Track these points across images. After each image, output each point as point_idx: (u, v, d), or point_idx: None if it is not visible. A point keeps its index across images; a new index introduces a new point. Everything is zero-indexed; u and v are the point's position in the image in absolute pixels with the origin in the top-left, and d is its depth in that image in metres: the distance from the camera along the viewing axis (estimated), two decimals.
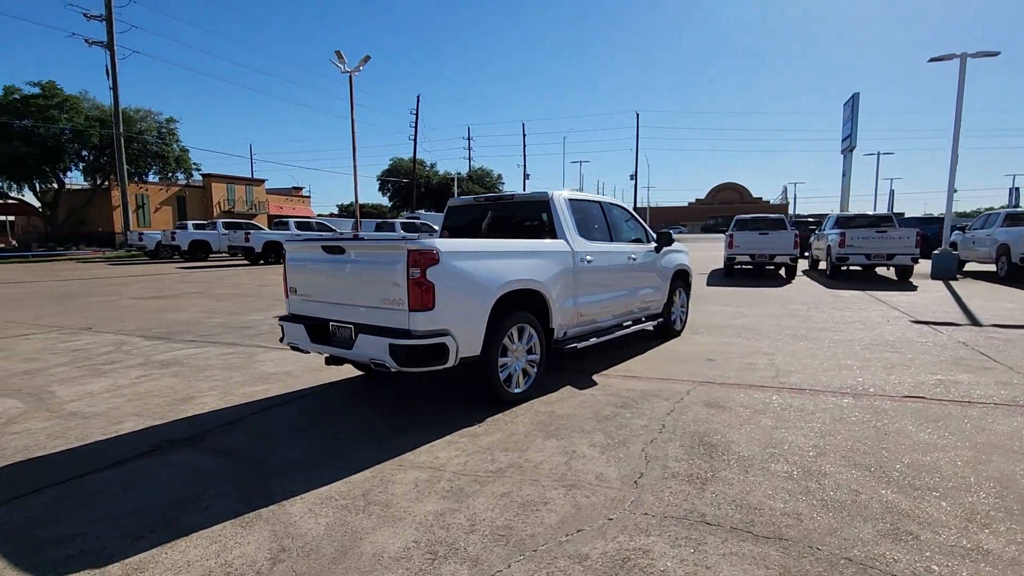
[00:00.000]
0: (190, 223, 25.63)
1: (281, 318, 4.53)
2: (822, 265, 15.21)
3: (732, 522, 2.54)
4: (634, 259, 5.93)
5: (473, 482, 3.00)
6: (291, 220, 23.12)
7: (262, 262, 22.01)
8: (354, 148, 22.80)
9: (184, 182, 40.20)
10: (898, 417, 3.94)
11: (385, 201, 54.37)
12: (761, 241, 13.59)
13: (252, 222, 28.55)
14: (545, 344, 4.68)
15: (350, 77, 22.26)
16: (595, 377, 5.14)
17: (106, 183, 35.41)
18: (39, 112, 31.04)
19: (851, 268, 13.99)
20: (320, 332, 4.20)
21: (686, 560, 2.25)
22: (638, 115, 50.54)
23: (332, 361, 4.49)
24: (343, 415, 4.17)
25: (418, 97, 44.28)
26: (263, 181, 45.44)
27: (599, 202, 5.87)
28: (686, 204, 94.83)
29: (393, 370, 3.71)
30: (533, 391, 4.56)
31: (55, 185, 34.48)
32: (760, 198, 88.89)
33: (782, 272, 14.81)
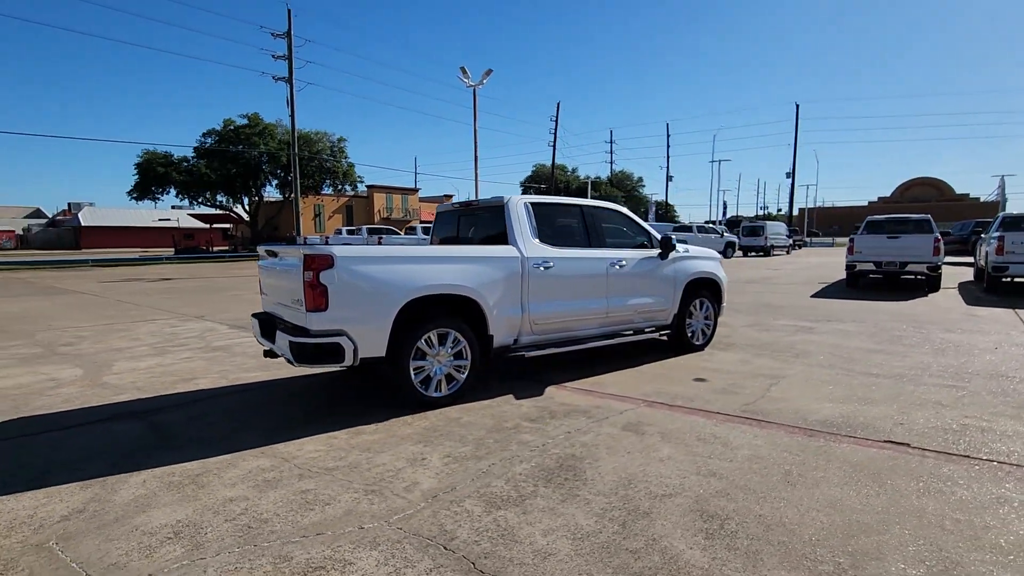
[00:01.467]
0: (344, 229, 29.19)
1: (253, 314, 5.14)
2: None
3: (474, 552, 2.37)
4: (621, 266, 5.53)
5: (299, 476, 3.16)
6: (419, 225, 25.15)
7: None
8: (476, 158, 24.09)
9: (352, 193, 45.80)
10: (832, 467, 3.20)
11: None
12: (890, 246, 11.43)
13: (390, 227, 31.48)
14: (481, 351, 4.65)
15: (474, 91, 23.53)
16: (552, 388, 4.93)
17: (292, 195, 41.82)
18: (246, 139, 37.82)
19: (1016, 280, 11.07)
20: (267, 328, 4.69)
21: None
22: (798, 106, 44.58)
23: (268, 354, 4.94)
24: (277, 405, 4.60)
25: (558, 104, 44.89)
26: (417, 190, 49.93)
27: (579, 206, 5.59)
28: (865, 203, 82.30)
29: (295, 365, 4.03)
30: (473, 395, 4.58)
31: (256, 198, 41.64)
32: (967, 195, 73.73)
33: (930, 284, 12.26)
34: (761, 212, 77.73)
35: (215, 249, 39.26)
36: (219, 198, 40.84)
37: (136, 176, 38.23)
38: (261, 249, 5.06)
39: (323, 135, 40.21)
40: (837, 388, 4.79)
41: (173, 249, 38.37)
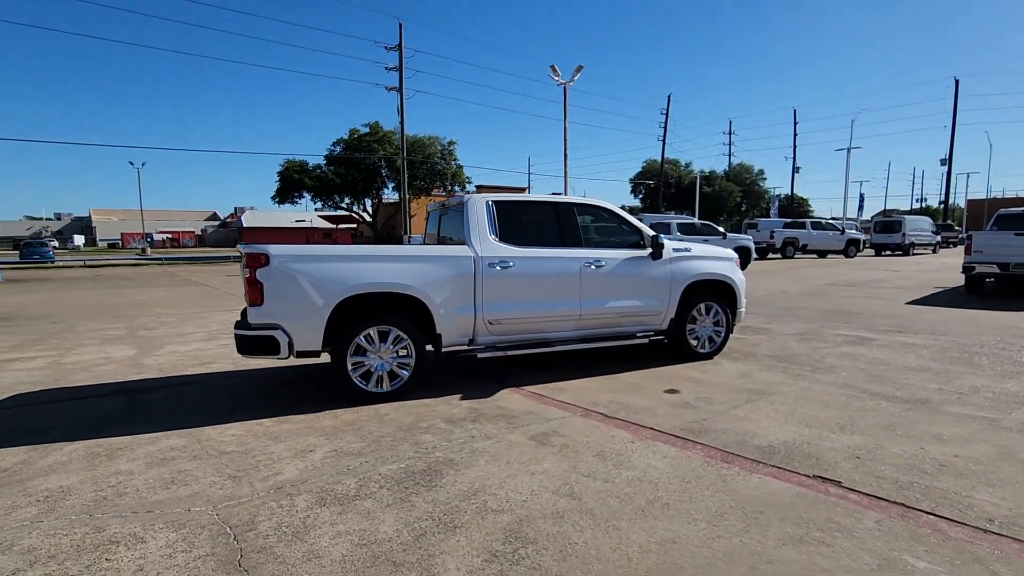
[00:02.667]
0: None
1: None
2: None
3: (253, 546, 2.42)
4: (598, 266, 5.20)
5: (193, 456, 3.42)
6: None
7: None
8: (565, 156, 23.81)
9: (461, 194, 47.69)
10: (716, 499, 2.76)
11: (637, 203, 54.24)
12: (1018, 245, 9.37)
13: None
14: (423, 350, 4.66)
15: (564, 89, 23.29)
16: (507, 391, 4.81)
17: (408, 197, 44.61)
18: (367, 146, 41.03)
19: None
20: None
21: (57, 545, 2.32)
22: (957, 82, 37.69)
23: None
24: (249, 390, 4.98)
25: (668, 97, 42.60)
26: (524, 189, 50.56)
27: (553, 204, 5.34)
28: None
29: (240, 354, 4.35)
30: (422, 392, 4.64)
31: (376, 200, 44.99)
32: None
33: None
34: (918, 205, 67.76)
35: None
36: (345, 200, 44.72)
37: (278, 182, 43.09)
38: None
39: (435, 139, 42.30)
40: (823, 411, 4.10)
41: None
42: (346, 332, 4.38)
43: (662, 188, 44.78)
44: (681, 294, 5.62)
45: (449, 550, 2.34)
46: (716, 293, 5.90)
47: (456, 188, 44.58)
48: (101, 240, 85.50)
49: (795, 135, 46.62)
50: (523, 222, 5.19)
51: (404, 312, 4.59)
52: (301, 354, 4.34)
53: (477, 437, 3.69)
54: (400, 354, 4.57)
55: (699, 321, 5.82)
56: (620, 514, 2.63)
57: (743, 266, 18.16)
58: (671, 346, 5.84)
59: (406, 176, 33.52)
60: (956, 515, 2.56)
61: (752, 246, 18.41)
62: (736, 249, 17.78)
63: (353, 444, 3.59)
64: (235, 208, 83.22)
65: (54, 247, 41.15)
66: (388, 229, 45.89)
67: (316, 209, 58.19)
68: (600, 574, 2.16)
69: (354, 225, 48.20)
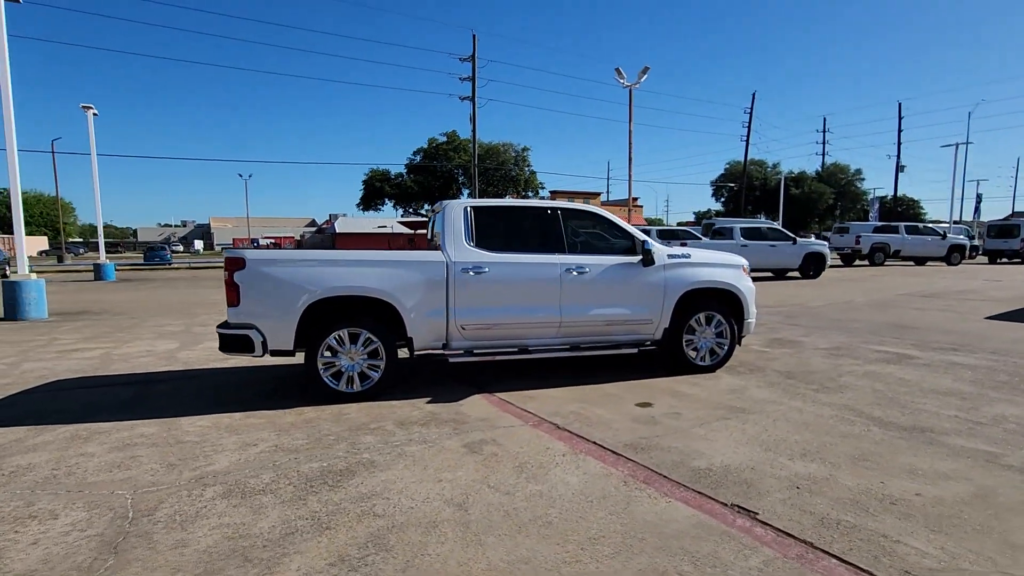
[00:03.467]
0: None
1: None
2: None
3: (138, 530, 2.60)
4: (580, 272, 5.05)
5: (152, 444, 3.70)
6: (654, 229, 23.09)
7: None
8: (630, 160, 23.19)
9: (538, 199, 47.94)
10: (607, 520, 2.60)
11: (719, 207, 51.65)
12: None
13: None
14: (394, 353, 4.75)
15: (630, 91, 22.73)
16: (478, 396, 4.79)
17: None
18: (443, 154, 42.44)
19: None
20: None
21: None
22: None
23: None
24: (244, 386, 5.32)
25: (753, 95, 40.22)
26: (599, 194, 49.93)
27: (538, 209, 5.25)
28: None
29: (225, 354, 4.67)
30: (394, 393, 4.75)
31: None
32: None
33: None
34: None
35: None
36: (425, 207, 46.46)
37: (362, 190, 45.58)
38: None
39: (509, 146, 42.94)
40: (797, 435, 3.71)
41: None
42: (317, 333, 4.56)
43: (744, 191, 42.35)
44: (676, 303, 5.32)
45: (305, 550, 2.38)
46: (719, 302, 5.52)
47: (529, 193, 44.96)
48: (218, 244, 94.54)
49: (899, 131, 42.31)
50: (502, 227, 5.15)
51: (375, 315, 4.71)
52: (275, 353, 4.58)
53: (415, 441, 3.71)
54: (370, 356, 4.69)
55: (698, 332, 5.47)
56: (495, 529, 2.54)
57: (815, 274, 16.96)
58: (668, 358, 5.53)
59: (477, 183, 34.24)
60: (866, 562, 2.23)
61: (826, 252, 16.94)
62: (807, 256, 16.56)
63: (297, 441, 3.74)
64: (329, 215, 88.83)
65: (175, 251, 46.12)
66: None
67: (402, 217, 60.99)
68: None
69: (425, 231, 49.95)
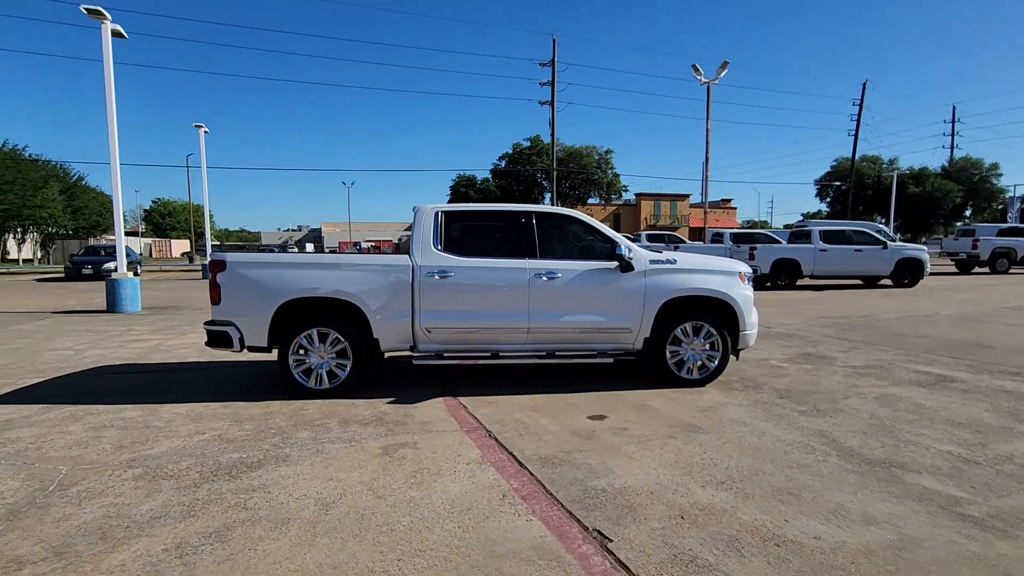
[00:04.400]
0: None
1: None
2: None
3: (45, 502, 2.91)
4: (551, 277, 4.91)
5: (123, 427, 4.11)
6: (727, 231, 21.60)
7: None
8: (707, 158, 21.98)
9: (622, 201, 46.88)
10: (451, 527, 2.52)
11: (824, 208, 47.27)
12: None
13: (675, 234, 30.20)
14: (364, 352, 4.89)
15: (708, 87, 21.58)
16: (442, 399, 4.80)
17: (564, 206, 45.49)
18: (526, 159, 42.85)
19: None
20: None
21: None
22: None
23: None
24: (243, 378, 5.73)
25: (864, 84, 36.27)
26: (688, 196, 47.74)
27: (507, 212, 5.16)
28: None
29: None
30: (365, 392, 4.89)
31: None
32: None
33: None
34: None
35: None
36: None
37: (449, 196, 47.17)
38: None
39: (592, 148, 42.43)
40: (738, 460, 3.35)
41: None
42: (289, 332, 4.82)
43: (854, 190, 38.46)
44: (658, 311, 5.00)
45: (156, 534, 2.54)
46: (710, 312, 5.11)
47: (612, 196, 44.12)
48: (327, 248, 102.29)
49: None
50: (472, 232, 5.14)
51: (343, 316, 4.89)
52: (252, 349, 4.89)
53: (343, 439, 3.81)
54: (339, 355, 4.88)
55: (685, 343, 5.09)
56: (338, 532, 2.56)
57: (911, 282, 15.05)
58: (652, 370, 5.21)
59: (555, 187, 34.20)
60: None
61: (924, 258, 14.93)
62: (900, 262, 14.78)
63: (241, 432, 3.98)
64: None
65: (291, 252, 50.72)
66: None
67: None
68: None
69: None
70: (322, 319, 4.86)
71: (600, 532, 2.52)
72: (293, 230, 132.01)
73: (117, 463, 3.41)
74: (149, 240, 64.13)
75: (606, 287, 4.99)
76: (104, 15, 11.22)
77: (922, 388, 4.94)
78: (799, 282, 15.52)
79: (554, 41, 32.87)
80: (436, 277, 4.86)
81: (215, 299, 4.85)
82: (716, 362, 5.12)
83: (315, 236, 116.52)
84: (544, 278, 4.92)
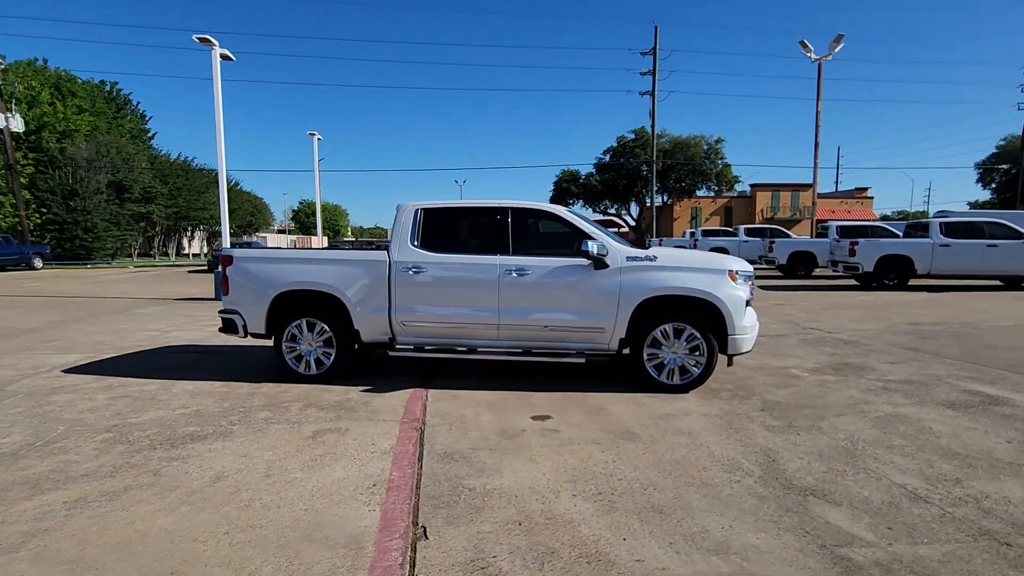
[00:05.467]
0: (699, 230, 28.30)
1: None
2: None
3: (22, 454, 3.51)
4: (520, 273, 4.85)
5: (134, 398, 4.79)
6: (834, 224, 19.26)
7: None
8: (816, 144, 19.70)
9: (734, 193, 43.80)
10: (276, 514, 2.66)
11: (989, 195, 40.03)
12: None
13: (778, 228, 27.73)
14: (347, 343, 5.20)
15: (819, 65, 19.38)
16: (410, 390, 4.94)
17: (670, 200, 43.45)
18: (630, 152, 41.68)
19: None
20: None
21: None
22: None
23: None
24: (254, 362, 6.33)
25: None
26: (810, 185, 43.20)
27: (482, 209, 5.15)
28: None
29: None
30: (347, 379, 5.22)
31: (641, 204, 45.17)
32: None
33: None
34: None
35: None
36: (613, 206, 46.24)
37: (552, 191, 47.29)
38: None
39: (700, 138, 40.12)
40: (635, 472, 3.12)
41: None
42: (283, 321, 5.27)
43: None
44: (633, 311, 4.73)
45: (72, 488, 2.97)
46: (694, 313, 4.72)
47: (723, 188, 41.45)
48: None
49: None
50: (449, 228, 5.21)
51: (328, 308, 5.22)
52: (254, 336, 5.41)
53: (289, 421, 4.11)
54: (325, 344, 5.23)
55: (665, 346, 4.76)
56: (204, 502, 2.81)
57: None
58: (631, 371, 4.93)
59: (654, 180, 32.90)
60: None
61: None
62: None
63: (216, 408, 4.45)
64: None
65: None
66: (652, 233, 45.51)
67: (609, 214, 61.64)
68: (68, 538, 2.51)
69: (615, 229, 49.40)
70: (311, 310, 5.24)
71: (425, 529, 2.52)
72: None
73: (101, 427, 4.00)
74: (294, 237, 71.76)
75: (578, 285, 4.82)
76: (213, 42, 12.83)
77: (950, 410, 4.17)
78: (913, 282, 13.53)
79: (656, 28, 31.59)
80: (410, 272, 5.02)
81: (225, 290, 5.43)
82: (699, 368, 4.72)
83: None
84: (514, 274, 4.87)
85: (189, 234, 53.73)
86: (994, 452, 3.34)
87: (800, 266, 17.86)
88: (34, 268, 27.14)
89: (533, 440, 3.66)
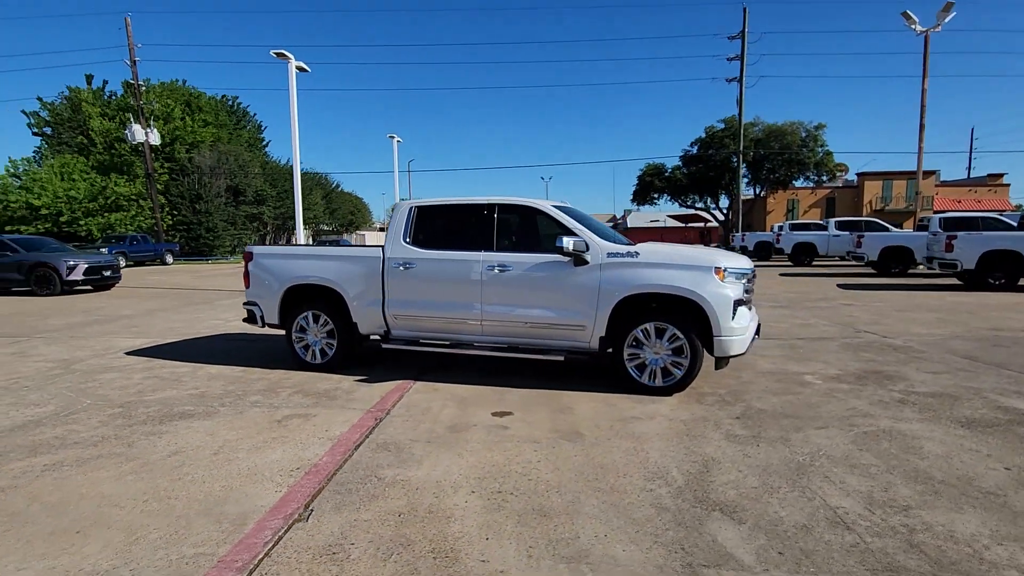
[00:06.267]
0: (786, 224, 26.31)
1: None
2: None
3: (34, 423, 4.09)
4: (502, 269, 4.85)
5: (160, 379, 5.37)
6: (936, 216, 16.36)
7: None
8: (921, 125, 17.45)
9: (838, 184, 40.13)
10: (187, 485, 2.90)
11: None
12: None
13: (875, 220, 25.22)
14: (347, 334, 5.49)
15: (925, 37, 17.14)
16: (399, 381, 5.12)
17: (764, 192, 40.68)
18: (719, 142, 39.57)
19: None
20: None
21: None
22: None
23: None
24: (273, 349, 6.81)
25: None
26: (933, 173, 38.37)
27: (469, 205, 5.18)
28: None
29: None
30: (348, 369, 5.53)
31: (730, 197, 42.72)
32: None
33: None
34: None
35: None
36: (703, 199, 44.16)
37: (635, 186, 46.07)
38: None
39: (797, 125, 37.15)
40: (550, 475, 3.04)
41: None
42: (293, 313, 5.67)
43: None
44: (613, 309, 4.56)
45: (58, 455, 3.43)
46: (677, 312, 4.47)
47: (824, 178, 38.18)
48: None
49: None
50: (439, 225, 5.31)
51: (330, 301, 5.54)
52: (270, 326, 5.86)
53: (269, 405, 4.42)
54: (328, 335, 5.56)
55: (647, 346, 4.55)
56: (146, 473, 3.13)
57: None
58: (613, 371, 4.76)
59: (742, 171, 31.00)
60: None
61: None
62: None
63: (220, 391, 4.89)
64: (624, 211, 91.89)
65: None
66: (745, 227, 42.96)
67: (696, 209, 59.23)
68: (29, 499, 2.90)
69: (702, 224, 47.00)
70: (316, 303, 5.59)
71: (311, 513, 2.64)
72: None
73: (117, 403, 4.55)
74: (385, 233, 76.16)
75: (559, 282, 4.73)
76: (288, 56, 13.89)
77: (963, 428, 3.62)
78: None
79: (744, 10, 29.71)
80: (401, 268, 5.19)
81: (247, 284, 5.93)
82: (682, 370, 4.46)
83: None
84: (496, 270, 4.88)
85: (295, 232, 58.50)
86: (979, 479, 2.88)
87: (893, 263, 16.00)
88: (165, 263, 30.92)
89: (476, 436, 3.68)
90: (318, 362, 5.59)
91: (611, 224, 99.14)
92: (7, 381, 5.26)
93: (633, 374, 4.60)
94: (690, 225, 46.06)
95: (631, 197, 46.19)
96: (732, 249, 32.77)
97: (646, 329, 4.53)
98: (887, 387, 4.64)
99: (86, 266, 14.57)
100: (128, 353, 6.60)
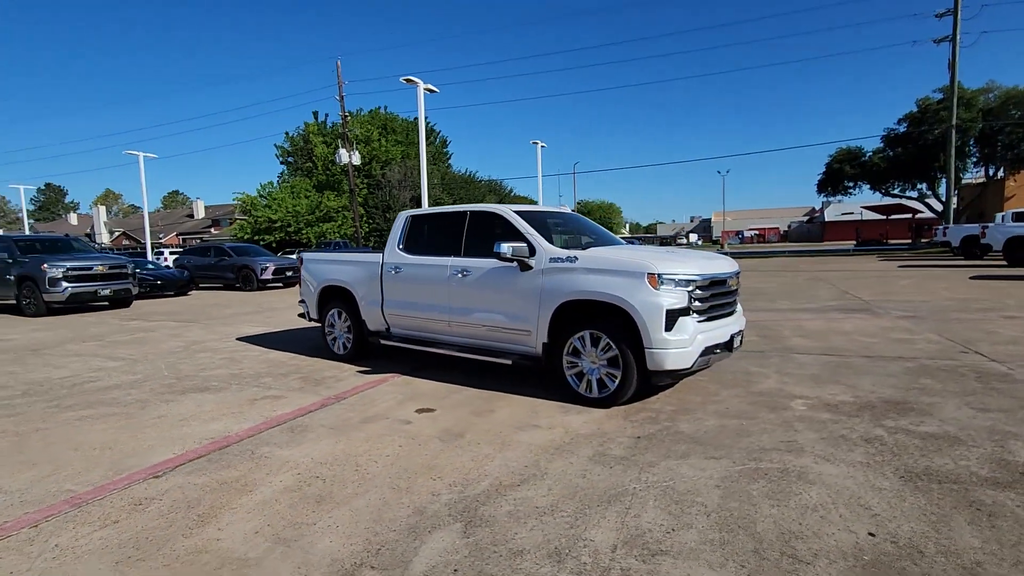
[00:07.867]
0: (1008, 213, 21.05)
1: None
2: None
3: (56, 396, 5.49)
4: (464, 274, 5.07)
5: (231, 360, 6.67)
6: None
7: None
8: None
9: None
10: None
11: None
12: None
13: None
14: (359, 330, 6.21)
15: None
16: (389, 375, 5.65)
17: (1002, 173, 32.65)
18: (934, 115, 32.83)
19: None
20: None
21: None
22: None
23: None
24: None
25: None
26: None
27: (448, 213, 5.46)
28: None
29: None
30: (368, 361, 6.28)
31: (949, 179, 35.04)
32: None
33: None
34: None
35: (890, 241, 36.55)
36: (904, 187, 37.10)
37: (821, 175, 40.48)
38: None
39: None
40: (379, 467, 3.24)
41: (855, 241, 38.60)
42: (326, 311, 6.58)
43: None
44: (552, 315, 4.47)
45: (83, 412, 4.65)
46: (613, 320, 4.21)
47: None
48: (715, 237, 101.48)
49: None
50: (425, 232, 5.68)
51: (346, 301, 6.30)
52: (313, 320, 6.86)
53: (268, 387, 5.25)
54: (348, 331, 6.34)
55: (584, 355, 4.35)
56: (128, 429, 4.10)
57: None
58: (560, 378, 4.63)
59: (952, 147, 25.31)
60: None
61: None
62: None
63: (251, 372, 5.92)
64: (821, 203, 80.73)
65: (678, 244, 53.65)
66: (972, 215, 34.99)
67: (900, 197, 50.13)
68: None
69: (910, 215, 39.02)
70: (338, 302, 6.41)
71: (174, 471, 3.27)
72: (684, 223, 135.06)
73: (175, 377, 5.83)
74: None
75: (507, 286, 4.79)
76: (416, 81, 15.46)
77: (898, 480, 2.85)
78: None
79: None
80: (393, 272, 5.72)
81: (300, 285, 7.03)
82: (615, 381, 4.19)
83: (704, 227, 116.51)
84: (460, 275, 5.12)
85: None
86: (831, 542, 2.33)
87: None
88: None
89: (374, 427, 4.00)
90: (342, 353, 6.40)
91: (807, 217, 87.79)
92: (142, 355, 7.04)
93: (572, 383, 4.45)
94: (892, 218, 38.88)
95: (816, 187, 40.51)
96: (934, 244, 26.90)
97: (583, 337, 4.36)
98: (882, 424, 3.76)
99: (274, 267, 18.06)
100: (238, 339, 8.22)
